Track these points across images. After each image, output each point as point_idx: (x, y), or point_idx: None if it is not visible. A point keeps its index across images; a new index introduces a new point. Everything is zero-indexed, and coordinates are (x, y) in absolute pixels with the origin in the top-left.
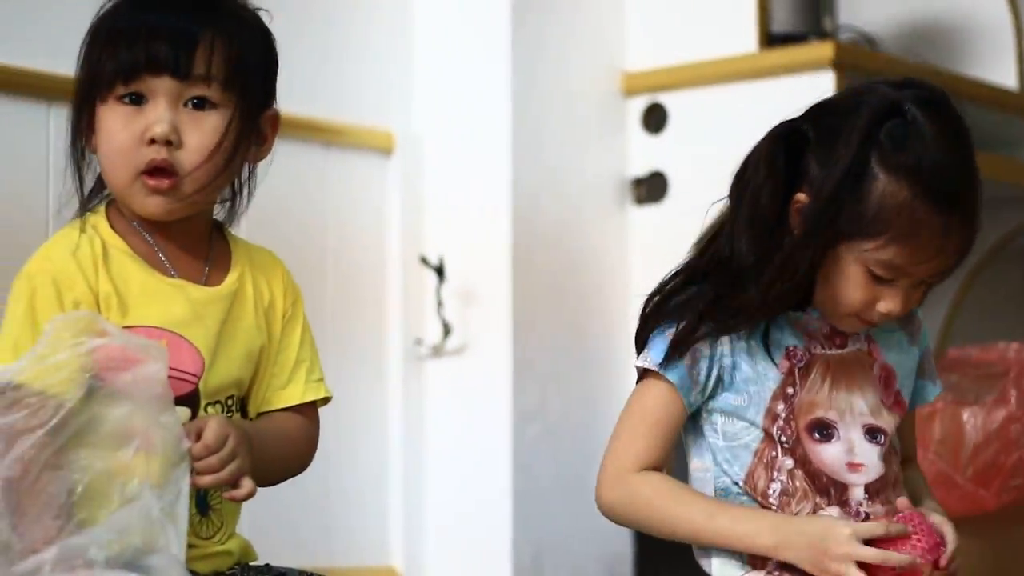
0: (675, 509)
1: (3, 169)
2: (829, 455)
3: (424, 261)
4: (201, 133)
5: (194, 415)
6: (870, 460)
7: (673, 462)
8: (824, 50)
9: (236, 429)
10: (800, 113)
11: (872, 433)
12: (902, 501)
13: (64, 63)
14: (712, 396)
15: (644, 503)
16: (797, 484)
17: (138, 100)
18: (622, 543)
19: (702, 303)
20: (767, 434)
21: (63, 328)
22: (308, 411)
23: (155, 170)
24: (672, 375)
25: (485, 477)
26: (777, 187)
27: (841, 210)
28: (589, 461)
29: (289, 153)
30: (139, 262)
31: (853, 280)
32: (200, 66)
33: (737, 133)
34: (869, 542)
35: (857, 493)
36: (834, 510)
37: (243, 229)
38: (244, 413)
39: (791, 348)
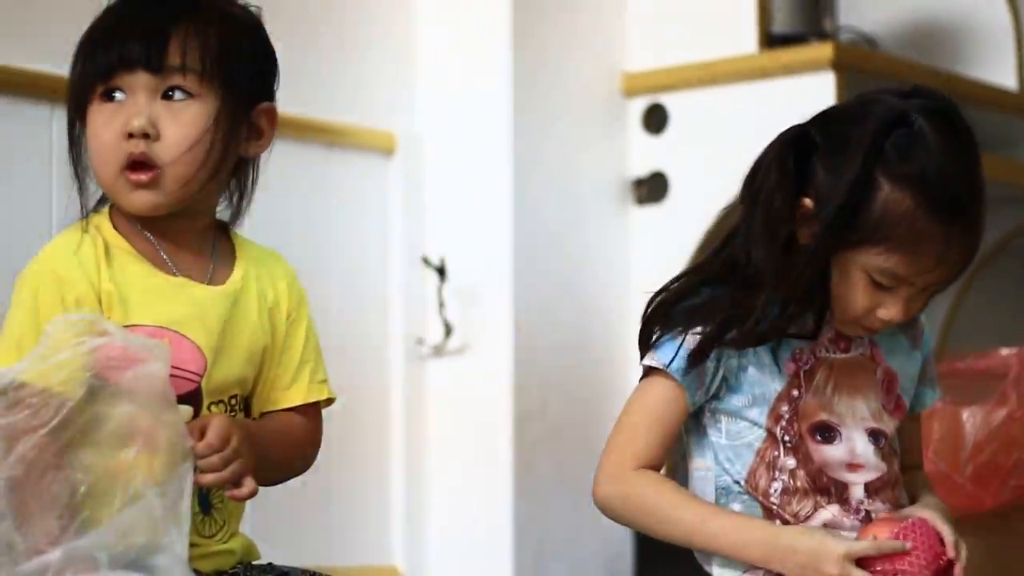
0: (669, 511)
1: (6, 170)
2: (831, 456)
3: (425, 261)
4: (178, 124)
5: (196, 413)
6: (870, 460)
7: (673, 463)
8: (824, 51)
9: (239, 428)
10: (808, 119)
11: (874, 435)
12: (905, 511)
13: (67, 65)
14: (716, 396)
15: (640, 502)
16: (798, 484)
17: (115, 97)
18: (623, 543)
19: (723, 310)
20: (770, 434)
21: (65, 328)
22: (312, 412)
23: (135, 164)
24: (678, 373)
25: (486, 477)
26: (788, 193)
27: (846, 219)
28: (590, 461)
29: (291, 154)
30: (141, 261)
31: (855, 286)
32: (174, 58)
33: (738, 134)
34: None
35: (857, 491)
36: (834, 508)
37: (245, 229)
38: (248, 413)
39: (797, 351)
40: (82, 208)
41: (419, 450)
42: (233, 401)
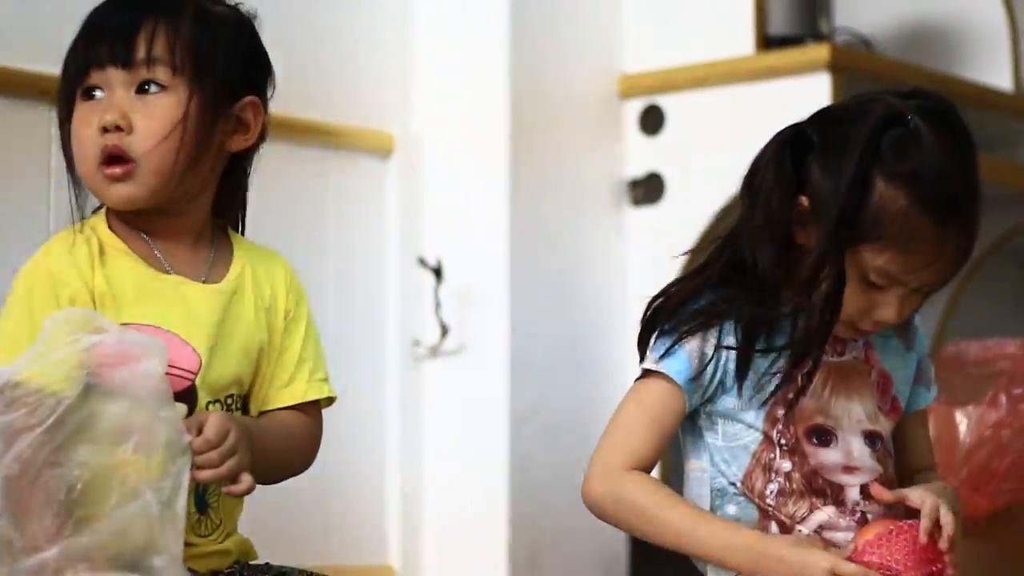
0: (659, 514)
1: (5, 171)
2: (827, 458)
3: (422, 262)
4: (150, 116)
5: (191, 412)
6: (866, 463)
7: (668, 464)
8: (820, 52)
9: (237, 424)
10: (806, 118)
11: (870, 438)
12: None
13: None
14: (712, 399)
15: (630, 504)
16: (794, 486)
17: (95, 95)
18: (618, 542)
19: (740, 317)
20: (766, 437)
21: (60, 325)
22: (311, 410)
23: (110, 158)
24: (678, 375)
25: (482, 477)
26: (786, 193)
27: (843, 219)
28: (585, 461)
29: (289, 155)
30: (136, 260)
31: (849, 286)
32: (141, 51)
33: (734, 135)
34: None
35: (853, 493)
36: (830, 509)
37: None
38: (246, 412)
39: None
40: (79, 209)
41: (415, 450)
42: (230, 401)
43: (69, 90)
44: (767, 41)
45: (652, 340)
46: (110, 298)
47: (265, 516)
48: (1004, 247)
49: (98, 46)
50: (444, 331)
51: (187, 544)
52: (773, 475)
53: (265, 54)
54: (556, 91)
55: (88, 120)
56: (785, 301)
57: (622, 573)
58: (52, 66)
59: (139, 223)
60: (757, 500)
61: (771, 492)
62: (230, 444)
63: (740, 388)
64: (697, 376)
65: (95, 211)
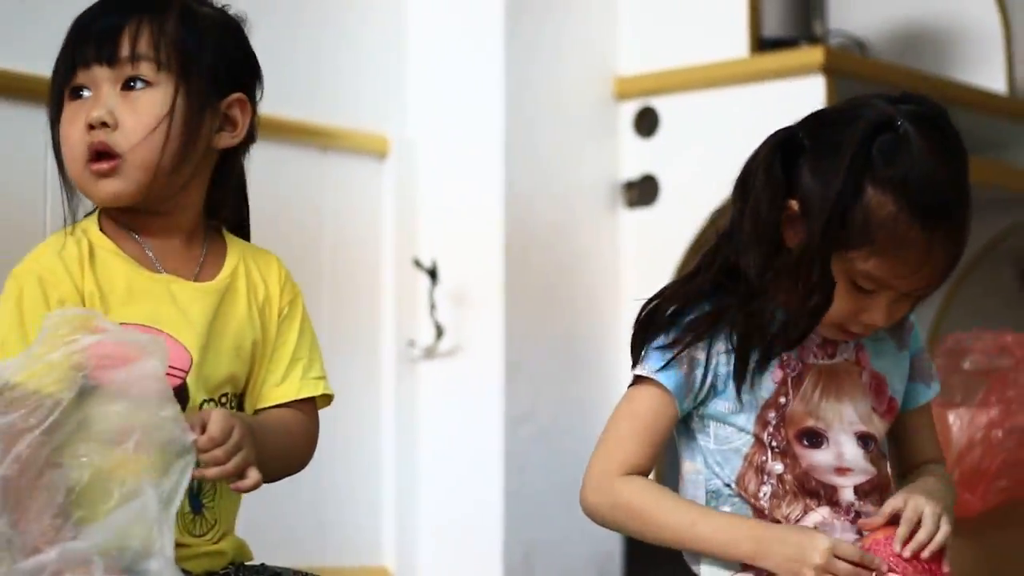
0: (658, 515)
1: (1, 173)
2: (818, 460)
3: (417, 263)
4: (136, 112)
5: (183, 410)
6: (858, 464)
7: (664, 465)
8: (815, 55)
9: (240, 421)
10: (797, 121)
11: (863, 439)
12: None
13: None
14: (704, 402)
15: (628, 508)
16: (787, 487)
17: (82, 95)
18: (612, 543)
19: (735, 324)
20: (758, 439)
21: (58, 325)
22: (307, 408)
23: (97, 155)
24: (669, 382)
25: (477, 478)
26: (775, 196)
27: (831, 224)
28: (580, 462)
29: (285, 156)
30: (126, 260)
31: (837, 291)
32: (125, 49)
33: (728, 137)
34: None
35: (847, 494)
36: (824, 510)
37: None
38: (242, 411)
39: (785, 357)
40: (70, 212)
41: (410, 451)
42: (224, 399)
43: (58, 91)
44: (761, 44)
45: (645, 350)
46: (99, 299)
47: (261, 517)
48: (997, 249)
49: (84, 46)
50: (439, 332)
51: (181, 545)
52: (766, 477)
53: (253, 55)
54: (551, 93)
55: (75, 118)
56: (774, 303)
57: (616, 573)
58: (47, 69)
59: (130, 223)
60: (752, 500)
61: (764, 494)
62: (235, 440)
63: (739, 393)
64: (688, 382)
65: (88, 214)
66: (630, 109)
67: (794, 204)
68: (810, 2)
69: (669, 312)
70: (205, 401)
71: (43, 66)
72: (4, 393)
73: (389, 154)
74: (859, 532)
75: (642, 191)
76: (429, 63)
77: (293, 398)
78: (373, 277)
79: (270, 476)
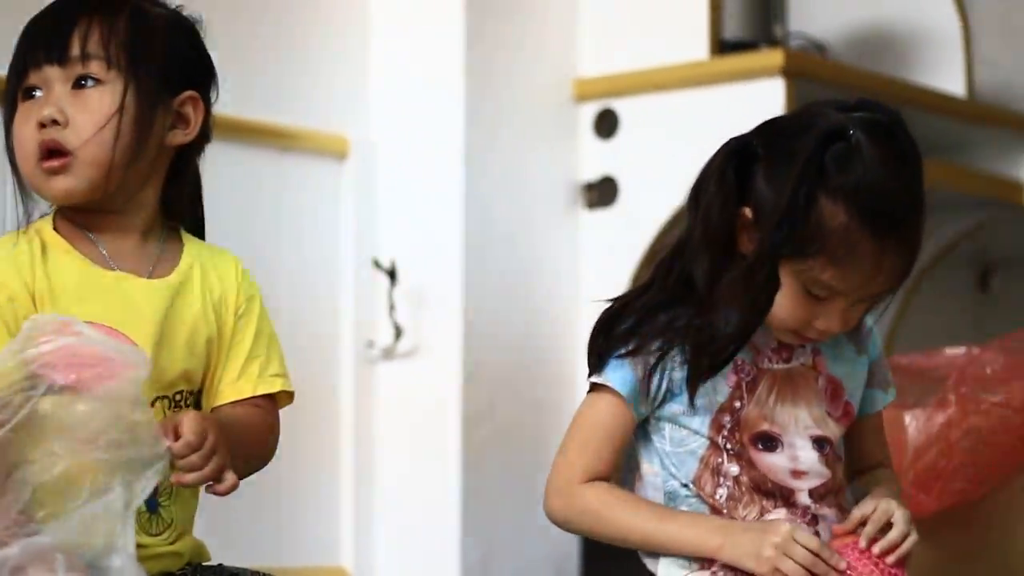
0: (624, 518)
1: None
2: (773, 463)
3: (377, 264)
4: (86, 110)
5: None
6: (813, 467)
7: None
8: (774, 57)
9: (213, 423)
10: (752, 128)
11: (818, 443)
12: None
13: None
14: (660, 405)
15: (593, 513)
16: (743, 489)
17: (34, 95)
18: (569, 544)
19: (687, 337)
20: (712, 442)
21: (34, 328)
22: (267, 405)
23: (48, 152)
24: (625, 388)
25: (435, 478)
26: (726, 204)
27: (783, 232)
28: (537, 463)
29: (245, 157)
30: (79, 258)
31: (790, 298)
32: (75, 48)
33: (688, 139)
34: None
35: (802, 497)
36: (781, 512)
37: None
38: (198, 409)
39: (739, 362)
40: (26, 213)
41: (368, 451)
42: (179, 397)
43: (12, 93)
44: (721, 46)
45: (602, 359)
46: (50, 296)
47: (219, 517)
48: (956, 251)
49: (35, 47)
50: (398, 333)
51: (138, 545)
52: (721, 479)
53: (206, 55)
54: (511, 94)
55: (27, 118)
56: (731, 314)
57: (573, 573)
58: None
59: (85, 222)
60: (709, 500)
61: (721, 496)
62: (210, 444)
63: (691, 402)
64: (644, 387)
65: (43, 215)
66: (590, 111)
67: (747, 212)
68: (770, 5)
69: (627, 325)
70: (157, 398)
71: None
72: None
73: (349, 155)
74: (817, 535)
75: (601, 192)
76: (390, 65)
77: (250, 394)
78: (332, 277)
79: (242, 474)
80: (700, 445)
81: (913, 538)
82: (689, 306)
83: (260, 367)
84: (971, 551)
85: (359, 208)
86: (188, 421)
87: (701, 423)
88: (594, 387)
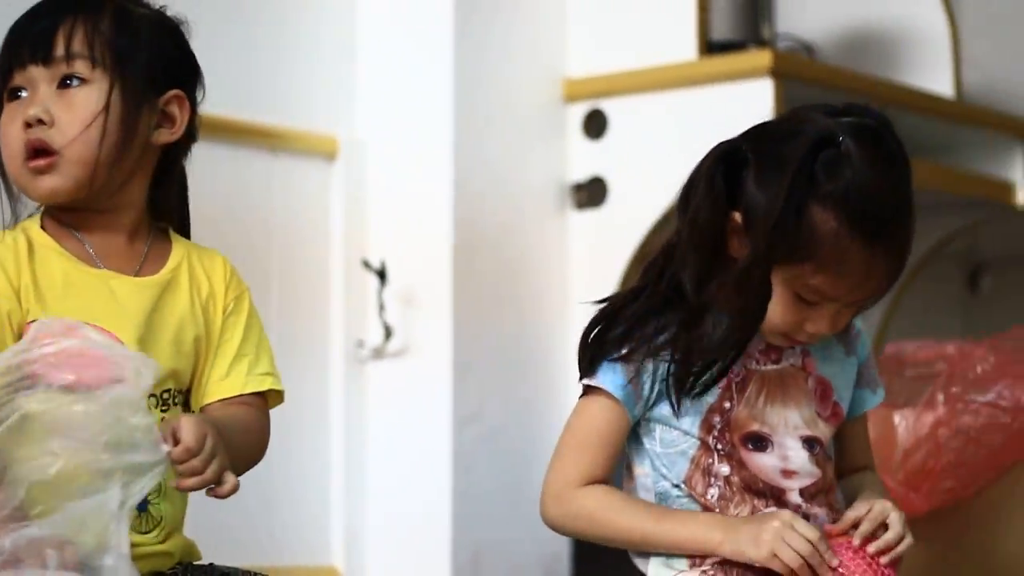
0: (622, 519)
1: None
2: (763, 463)
3: (366, 264)
4: (71, 109)
5: None
6: (804, 467)
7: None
8: (762, 58)
9: (211, 426)
10: (740, 133)
11: (808, 443)
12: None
13: None
14: (652, 406)
15: (591, 517)
16: (734, 489)
17: (20, 95)
18: (559, 544)
19: (678, 346)
20: (703, 443)
21: (40, 330)
22: (256, 404)
23: (34, 151)
24: (618, 391)
25: (425, 478)
26: (716, 208)
27: (775, 241)
28: (528, 463)
29: (234, 157)
30: (65, 256)
31: (781, 302)
32: (60, 48)
33: (677, 140)
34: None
35: (793, 496)
36: (773, 510)
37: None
38: (187, 407)
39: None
40: (14, 213)
41: (358, 452)
42: (167, 395)
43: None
44: (710, 47)
45: (593, 364)
46: (35, 293)
47: (209, 517)
48: (945, 252)
49: (20, 47)
50: (388, 333)
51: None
52: (712, 479)
53: (191, 54)
54: (500, 95)
55: (13, 118)
56: (721, 317)
57: (564, 572)
58: None
59: (72, 221)
60: (701, 500)
61: (712, 496)
62: (210, 447)
63: (678, 406)
64: (637, 390)
65: (31, 215)
66: (579, 111)
67: (737, 216)
68: (758, 5)
69: (619, 331)
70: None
71: None
72: None
73: (338, 155)
74: None
75: (590, 193)
76: (379, 64)
77: (238, 392)
78: (322, 278)
79: (237, 472)
80: (691, 446)
81: (908, 541)
82: (680, 311)
83: (249, 365)
84: (961, 550)
85: (348, 208)
86: (186, 425)
87: (691, 424)
88: (587, 391)
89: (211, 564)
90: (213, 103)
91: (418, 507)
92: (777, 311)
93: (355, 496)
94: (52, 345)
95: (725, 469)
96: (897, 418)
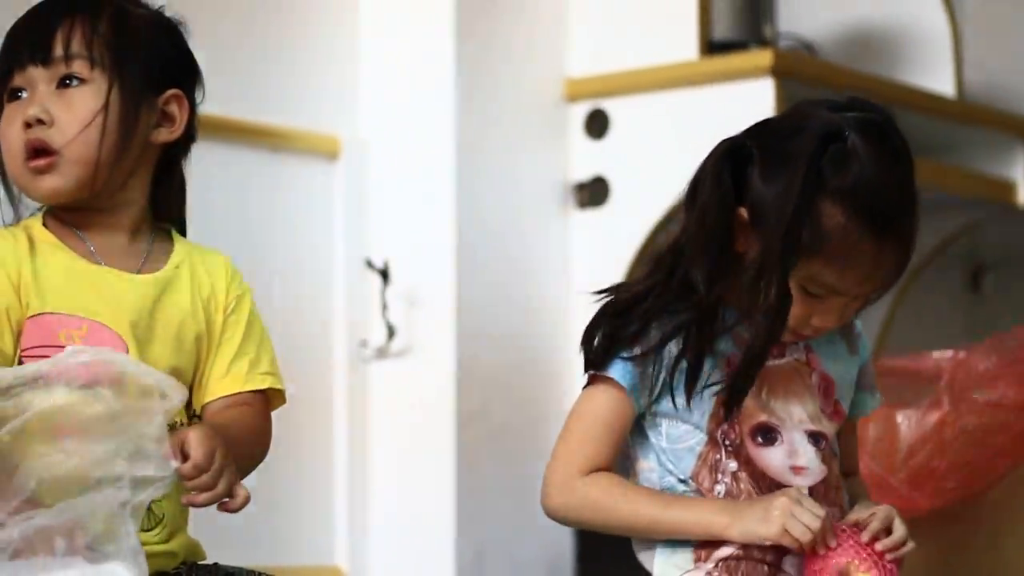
0: (628, 506)
1: None
2: (772, 458)
3: (369, 264)
4: (70, 108)
5: None
6: (812, 463)
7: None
8: (763, 58)
9: (219, 440)
10: (744, 130)
11: (814, 438)
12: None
13: None
14: (657, 399)
15: (594, 505)
16: (741, 486)
17: (20, 96)
18: (563, 543)
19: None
20: (711, 438)
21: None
22: (257, 404)
23: (34, 151)
24: (625, 379)
25: (428, 477)
26: (723, 206)
27: (788, 244)
28: (531, 462)
29: (237, 157)
30: (66, 252)
31: None
32: (58, 48)
33: (678, 139)
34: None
35: None
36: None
37: (189, 231)
38: (188, 406)
39: (731, 356)
40: (16, 217)
41: (362, 451)
42: None
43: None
44: (711, 46)
45: (605, 357)
46: (35, 288)
47: (213, 517)
48: (946, 252)
49: (19, 49)
50: (391, 333)
51: None
52: (720, 476)
53: (190, 55)
54: (502, 95)
55: (13, 119)
56: (729, 312)
57: (567, 572)
58: None
59: (73, 220)
60: (708, 495)
61: (719, 492)
62: (219, 463)
63: (689, 399)
64: (643, 380)
65: (32, 214)
66: (580, 111)
67: (743, 212)
68: (759, 5)
69: (632, 329)
70: None
71: None
72: None
73: (341, 155)
74: None
75: (593, 192)
76: (381, 64)
77: (238, 391)
78: (325, 278)
79: (243, 475)
80: (698, 442)
81: (911, 545)
82: (692, 308)
83: (249, 364)
84: (964, 550)
85: (351, 208)
86: (195, 440)
87: (701, 417)
88: (593, 379)
89: (216, 564)
90: (216, 103)
91: (422, 506)
92: (788, 321)
93: (359, 496)
94: (86, 355)
95: (732, 465)
96: (900, 417)
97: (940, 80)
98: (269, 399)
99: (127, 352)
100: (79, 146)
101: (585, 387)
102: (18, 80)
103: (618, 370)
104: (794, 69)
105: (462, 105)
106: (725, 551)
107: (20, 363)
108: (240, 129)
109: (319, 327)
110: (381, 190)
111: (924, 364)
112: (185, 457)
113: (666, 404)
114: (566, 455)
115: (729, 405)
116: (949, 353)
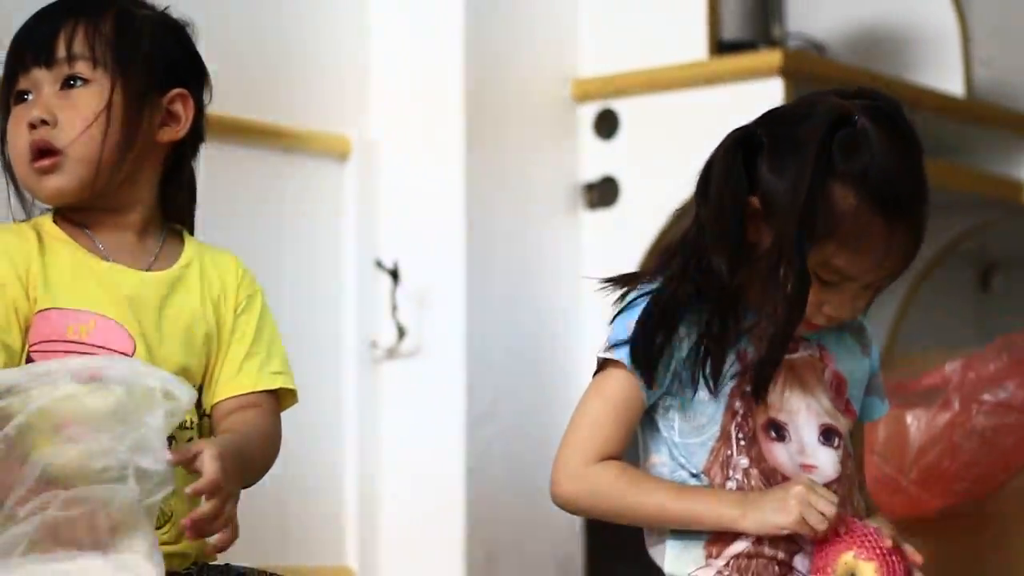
0: (639, 495)
1: None
2: (782, 454)
3: (379, 264)
4: (73, 109)
5: None
6: (823, 461)
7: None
8: (773, 57)
9: (222, 460)
10: (754, 119)
11: (827, 435)
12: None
13: None
14: (670, 392)
15: (606, 492)
16: (752, 483)
17: (26, 98)
18: (573, 543)
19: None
20: (724, 432)
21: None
22: (267, 404)
23: (38, 152)
24: (636, 369)
25: (439, 478)
26: (737, 196)
27: (803, 231)
28: (541, 462)
29: (247, 158)
30: (75, 247)
31: None
32: (61, 50)
33: (688, 139)
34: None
35: None
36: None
37: (199, 232)
38: (199, 405)
39: (742, 351)
40: (26, 215)
41: (372, 452)
42: None
43: (5, 99)
44: (720, 46)
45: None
46: (44, 283)
47: None
48: (955, 251)
49: (24, 52)
50: (401, 333)
51: None
52: (731, 472)
53: (196, 55)
54: (511, 95)
55: (19, 121)
56: (747, 303)
57: (578, 571)
58: None
59: (83, 219)
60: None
61: (731, 488)
62: (230, 510)
63: (715, 389)
64: (651, 368)
65: (42, 213)
66: (590, 111)
67: (755, 201)
68: (768, 5)
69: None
70: None
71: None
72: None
73: (351, 155)
74: None
75: (602, 193)
76: (390, 64)
77: (248, 390)
78: (335, 278)
79: (252, 483)
80: (710, 436)
81: (920, 559)
82: (712, 299)
83: (260, 363)
84: (974, 550)
85: (361, 208)
86: (205, 466)
87: (716, 409)
88: (604, 364)
89: (227, 564)
90: (226, 104)
91: (432, 507)
92: (806, 312)
93: (369, 496)
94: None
95: (744, 461)
96: (910, 418)
97: (949, 80)
98: (280, 399)
99: (135, 348)
100: (82, 145)
101: (596, 373)
102: (23, 83)
103: (627, 354)
104: (803, 69)
105: (471, 105)
106: (737, 547)
107: (28, 358)
108: (250, 130)
109: (329, 328)
110: (391, 191)
111: (934, 379)
112: (195, 469)
113: (679, 397)
114: (576, 442)
115: (756, 391)
116: (957, 364)
